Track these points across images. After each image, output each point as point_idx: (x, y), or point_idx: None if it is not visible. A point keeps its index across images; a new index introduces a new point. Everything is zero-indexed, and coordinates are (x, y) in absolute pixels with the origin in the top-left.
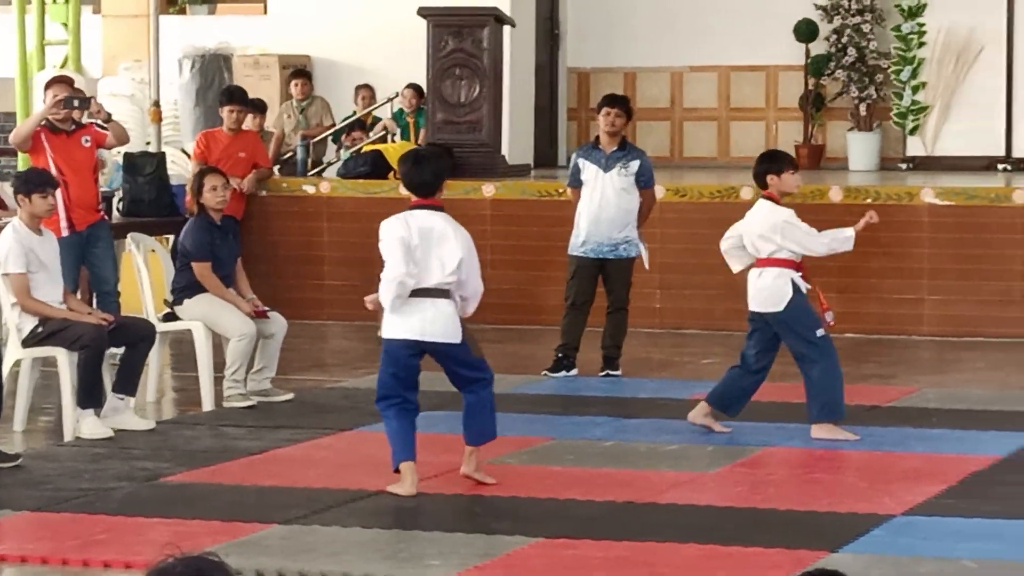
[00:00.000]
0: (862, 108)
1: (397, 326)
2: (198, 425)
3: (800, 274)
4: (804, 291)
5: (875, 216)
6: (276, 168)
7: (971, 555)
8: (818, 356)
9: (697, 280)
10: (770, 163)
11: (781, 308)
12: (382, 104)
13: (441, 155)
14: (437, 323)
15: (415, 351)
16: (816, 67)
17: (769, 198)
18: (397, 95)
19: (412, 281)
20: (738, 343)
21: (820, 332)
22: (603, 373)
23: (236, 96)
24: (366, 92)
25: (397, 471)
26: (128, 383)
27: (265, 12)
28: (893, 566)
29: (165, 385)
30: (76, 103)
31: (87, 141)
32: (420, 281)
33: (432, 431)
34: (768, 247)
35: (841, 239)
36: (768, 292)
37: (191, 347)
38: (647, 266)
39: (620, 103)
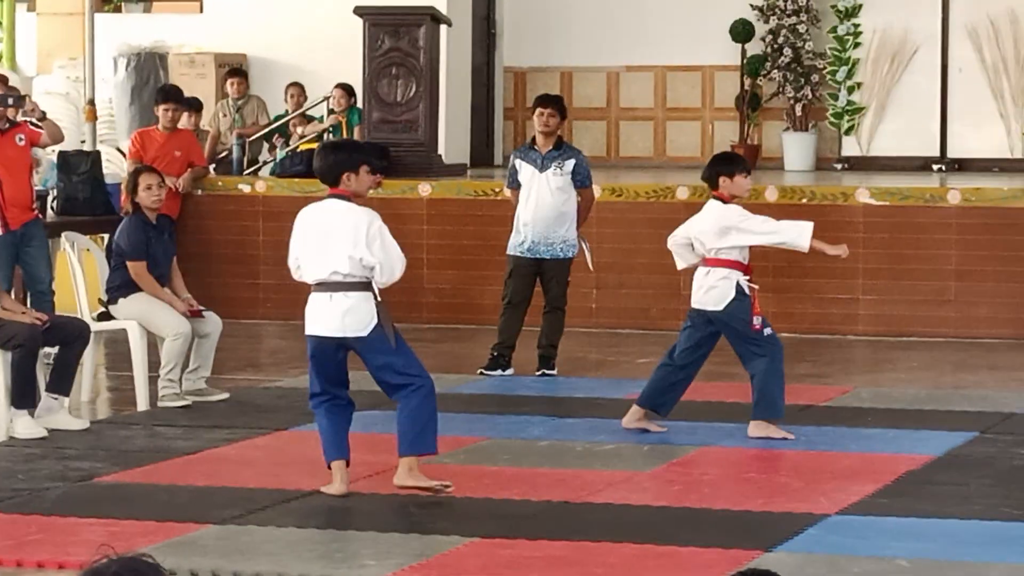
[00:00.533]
0: (798, 108)
1: (311, 322)
2: (133, 425)
3: (747, 277)
4: (748, 292)
5: (846, 251)
6: (211, 167)
7: (905, 554)
8: (762, 354)
9: (633, 280)
10: (723, 165)
11: (720, 308)
12: (317, 103)
13: (340, 145)
14: (347, 317)
15: (333, 346)
16: (752, 67)
17: (719, 198)
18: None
19: (297, 273)
20: (674, 341)
21: (768, 331)
22: (539, 372)
23: (171, 95)
24: (295, 90)
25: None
26: (62, 383)
27: (201, 10)
28: (827, 565)
29: (99, 385)
30: (10, 101)
31: (21, 140)
32: (316, 275)
33: (369, 431)
34: (716, 246)
35: (801, 228)
36: (715, 291)
37: (126, 346)
38: (591, 266)
39: (554, 103)
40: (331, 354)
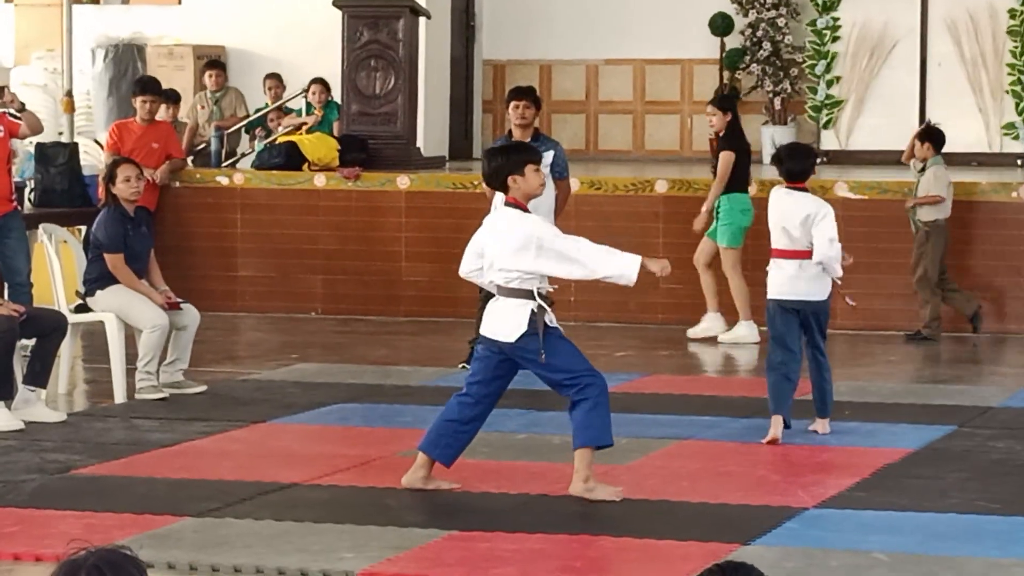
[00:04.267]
0: (777, 102)
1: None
2: (110, 417)
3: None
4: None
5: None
6: (190, 159)
7: (882, 548)
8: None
9: None
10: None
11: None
12: (295, 96)
13: (501, 150)
14: (498, 322)
15: (492, 349)
16: (731, 61)
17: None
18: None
19: (470, 278)
20: (652, 335)
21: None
22: None
23: (149, 86)
24: (273, 82)
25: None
26: (39, 375)
27: (179, 2)
28: (805, 558)
29: (77, 377)
30: None
31: (0, 131)
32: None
33: (346, 424)
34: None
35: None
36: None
37: (103, 339)
38: None
39: (527, 95)
40: (493, 357)
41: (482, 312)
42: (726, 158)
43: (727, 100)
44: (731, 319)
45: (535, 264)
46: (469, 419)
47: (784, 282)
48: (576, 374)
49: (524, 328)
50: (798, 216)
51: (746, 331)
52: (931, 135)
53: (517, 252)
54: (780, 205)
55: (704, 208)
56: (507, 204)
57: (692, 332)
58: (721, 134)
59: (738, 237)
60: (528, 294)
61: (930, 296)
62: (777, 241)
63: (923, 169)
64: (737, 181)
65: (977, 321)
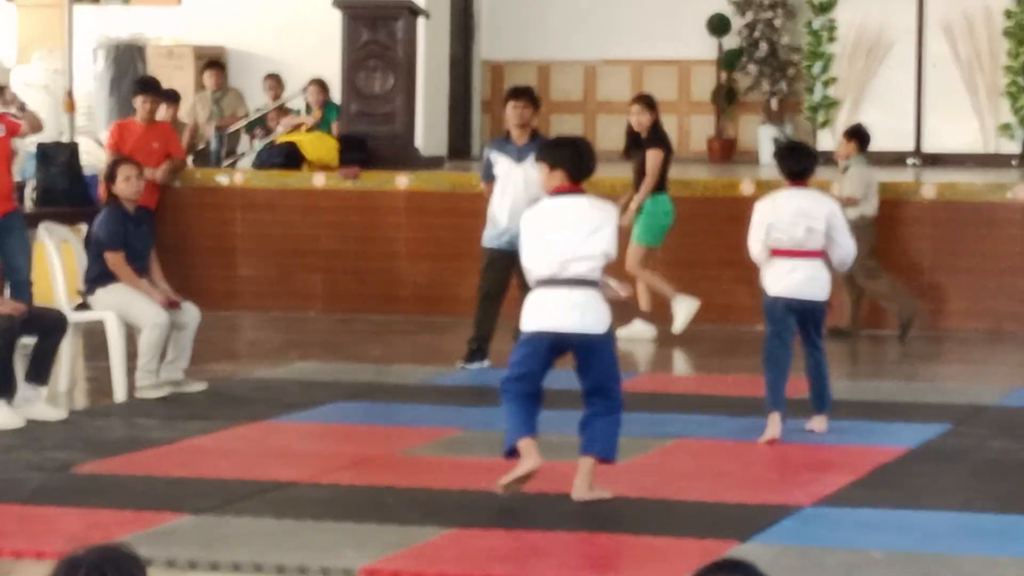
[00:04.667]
0: (773, 102)
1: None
2: (110, 415)
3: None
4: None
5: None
6: (190, 158)
7: (878, 546)
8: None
9: (609, 271)
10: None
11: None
12: (295, 96)
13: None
14: (578, 314)
15: (546, 343)
16: (728, 61)
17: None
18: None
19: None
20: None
21: None
22: None
23: (149, 86)
24: (272, 82)
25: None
26: (40, 373)
27: (179, 2)
28: (801, 556)
29: (77, 375)
30: None
31: (1, 131)
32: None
33: (345, 422)
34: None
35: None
36: None
37: (103, 337)
38: None
39: (525, 95)
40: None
41: (483, 311)
42: (656, 156)
43: (653, 99)
44: (630, 316)
45: (612, 248)
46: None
47: (803, 282)
48: (619, 382)
49: (610, 319)
50: (821, 215)
51: (644, 327)
52: (857, 133)
53: (605, 238)
54: (796, 204)
55: (633, 206)
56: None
57: (625, 334)
58: (644, 133)
59: (659, 237)
60: (597, 284)
61: (850, 292)
62: (790, 241)
63: (847, 168)
64: (661, 181)
65: (907, 326)
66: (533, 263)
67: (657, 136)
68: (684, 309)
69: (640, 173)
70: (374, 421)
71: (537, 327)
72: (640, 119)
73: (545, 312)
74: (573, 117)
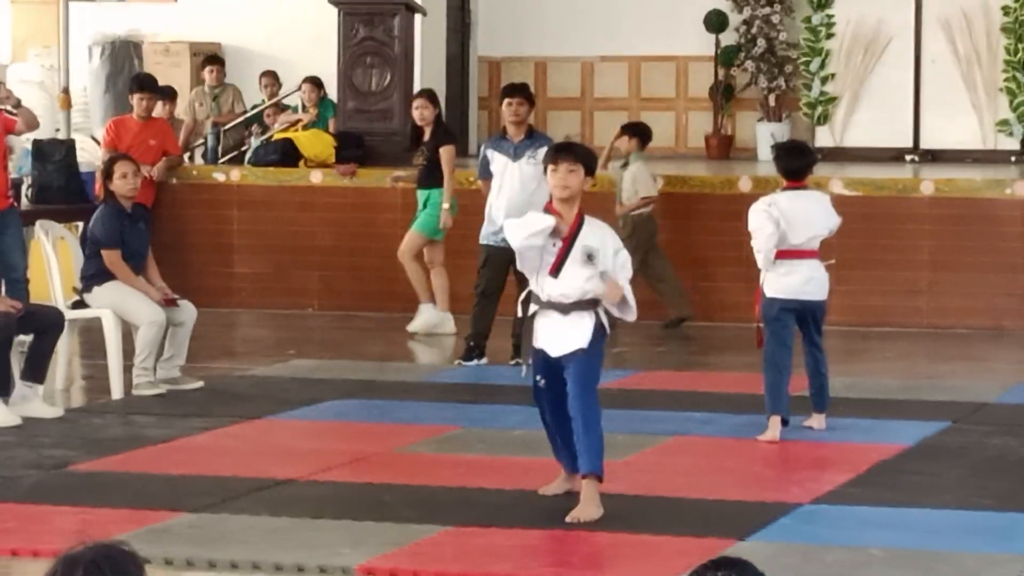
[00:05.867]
0: (771, 99)
1: None
2: (107, 413)
3: None
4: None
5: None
6: (187, 155)
7: (878, 543)
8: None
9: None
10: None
11: None
12: (291, 93)
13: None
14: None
15: None
16: (726, 58)
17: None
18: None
19: None
20: (650, 331)
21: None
22: (513, 362)
23: (146, 84)
24: (268, 79)
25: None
26: (37, 371)
27: None
28: (800, 554)
29: (74, 373)
30: None
31: None
32: None
33: (342, 420)
34: None
35: None
36: None
37: (100, 335)
38: None
39: (520, 92)
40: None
41: (481, 308)
42: (450, 151)
43: (435, 93)
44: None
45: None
46: None
47: (802, 283)
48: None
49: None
50: (825, 225)
51: (439, 319)
52: (636, 130)
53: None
54: (800, 209)
55: (446, 205)
56: None
57: (412, 327)
58: (428, 127)
59: (440, 231)
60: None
61: (657, 282)
62: (793, 241)
63: (625, 164)
64: (440, 174)
65: (673, 326)
66: None
67: (446, 131)
68: (427, 316)
69: (429, 168)
70: (372, 419)
71: None
72: (424, 113)
73: None
74: (570, 114)
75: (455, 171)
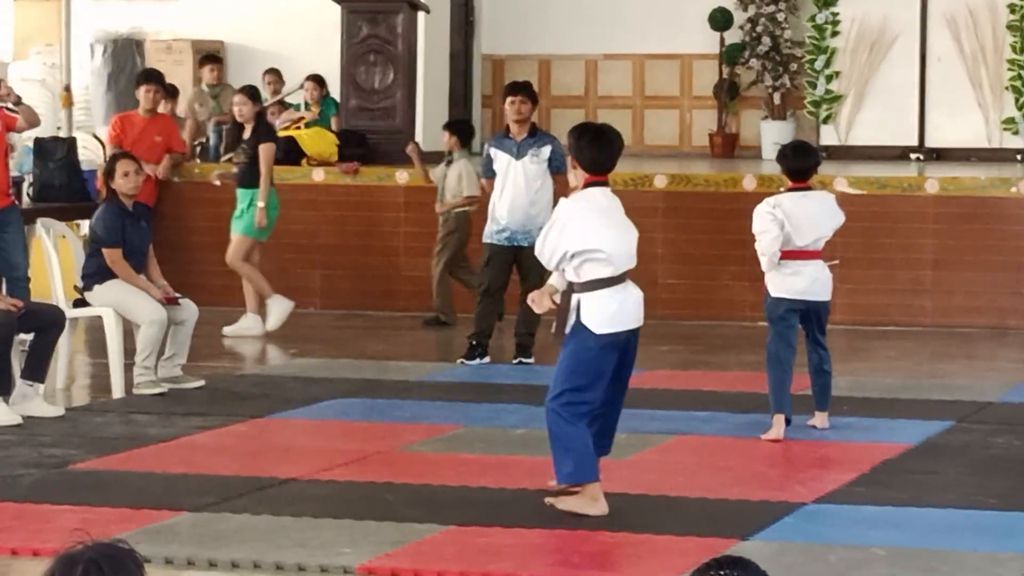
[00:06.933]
0: (776, 97)
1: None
2: (108, 412)
3: None
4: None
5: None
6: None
7: (881, 543)
8: None
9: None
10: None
11: None
12: (294, 91)
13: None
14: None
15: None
16: (730, 56)
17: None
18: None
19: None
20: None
21: None
22: (516, 361)
23: (153, 76)
24: (271, 77)
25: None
26: (37, 369)
27: None
28: (803, 554)
29: (75, 372)
30: None
31: None
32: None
33: (344, 418)
34: None
35: None
36: None
37: (101, 333)
38: None
39: (523, 90)
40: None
41: (484, 307)
42: (269, 150)
43: (257, 90)
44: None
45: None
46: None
47: (808, 283)
48: (560, 382)
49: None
50: (829, 218)
51: (252, 323)
52: (459, 128)
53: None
54: (806, 210)
55: (261, 204)
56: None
57: (269, 325)
58: (248, 124)
59: (266, 231)
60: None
61: (439, 283)
62: (798, 243)
63: (449, 162)
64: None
65: (432, 325)
66: None
67: (268, 129)
68: (279, 308)
69: (250, 167)
70: (373, 418)
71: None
72: (243, 110)
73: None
74: (574, 112)
75: (272, 169)
